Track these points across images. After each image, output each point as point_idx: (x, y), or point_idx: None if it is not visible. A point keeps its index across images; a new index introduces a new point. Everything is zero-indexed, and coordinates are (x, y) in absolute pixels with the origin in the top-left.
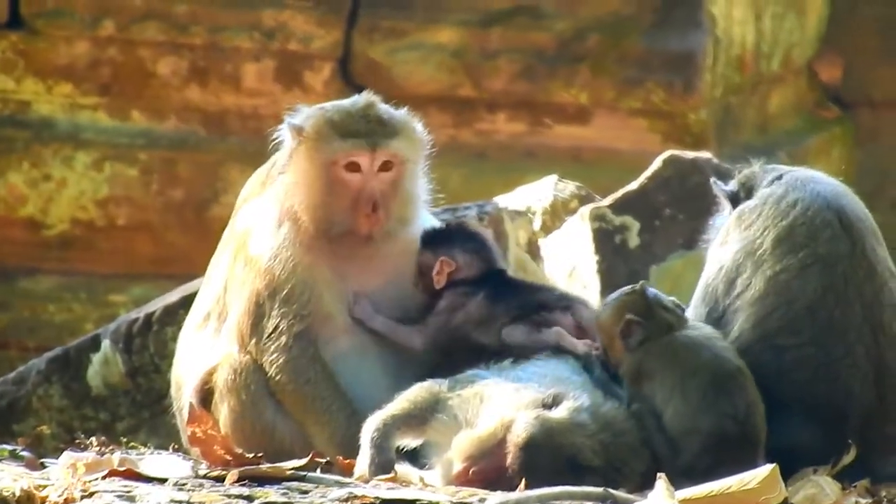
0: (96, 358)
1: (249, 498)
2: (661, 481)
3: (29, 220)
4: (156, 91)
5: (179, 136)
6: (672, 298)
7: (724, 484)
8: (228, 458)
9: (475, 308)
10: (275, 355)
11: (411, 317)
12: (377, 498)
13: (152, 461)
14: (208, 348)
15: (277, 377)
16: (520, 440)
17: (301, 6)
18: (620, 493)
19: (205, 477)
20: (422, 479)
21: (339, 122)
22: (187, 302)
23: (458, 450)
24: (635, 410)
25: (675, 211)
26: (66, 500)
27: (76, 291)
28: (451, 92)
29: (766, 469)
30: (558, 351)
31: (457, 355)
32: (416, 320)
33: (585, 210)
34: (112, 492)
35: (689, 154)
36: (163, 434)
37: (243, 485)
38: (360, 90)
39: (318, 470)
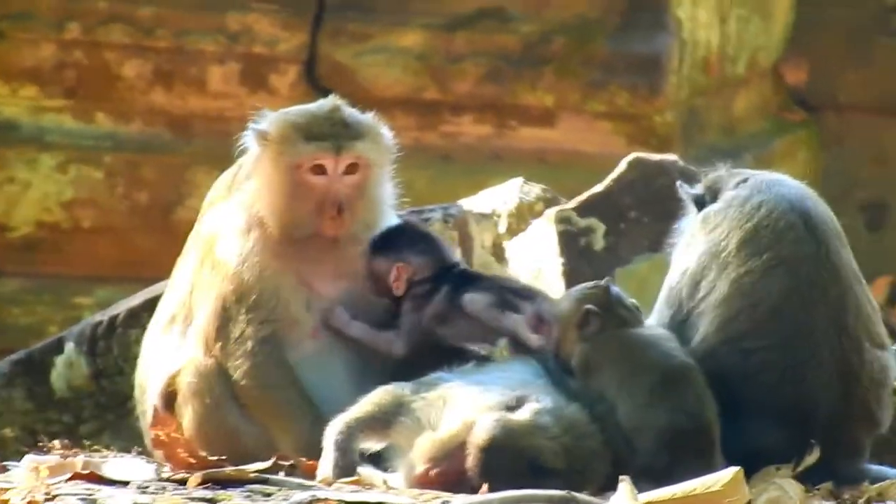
0: (60, 360)
1: (212, 501)
2: (624, 484)
3: None
4: (121, 94)
5: (145, 138)
6: (633, 301)
7: (687, 486)
8: (192, 461)
9: (441, 303)
10: (240, 360)
11: (379, 320)
12: (340, 500)
13: (115, 464)
14: (173, 351)
15: (242, 381)
16: (481, 442)
17: (266, 9)
18: (583, 496)
19: (168, 480)
20: (385, 482)
21: (303, 125)
22: (151, 305)
23: (419, 452)
24: (598, 413)
25: (641, 213)
26: (28, 503)
27: (40, 294)
28: (417, 95)
29: (731, 472)
30: (513, 344)
31: (429, 356)
32: (387, 323)
33: (551, 212)
34: (75, 495)
35: (655, 156)
36: (126, 437)
37: (206, 488)
38: (325, 93)
39: (282, 473)
